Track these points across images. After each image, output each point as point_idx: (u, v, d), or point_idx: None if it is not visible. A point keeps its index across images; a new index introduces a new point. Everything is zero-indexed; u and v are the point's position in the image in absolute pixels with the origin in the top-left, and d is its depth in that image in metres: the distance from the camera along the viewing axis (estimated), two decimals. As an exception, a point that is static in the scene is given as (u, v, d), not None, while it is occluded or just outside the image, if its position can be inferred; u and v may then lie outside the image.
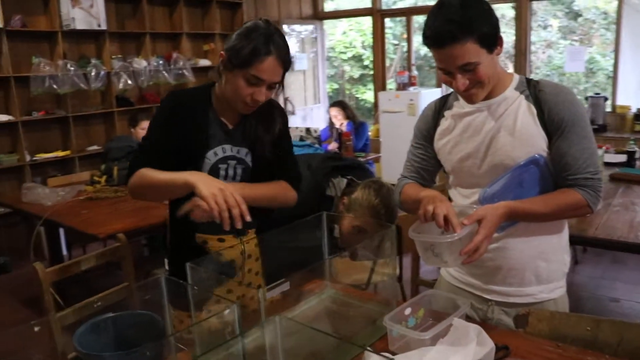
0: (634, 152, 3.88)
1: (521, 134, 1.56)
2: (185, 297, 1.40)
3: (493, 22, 1.47)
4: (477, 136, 1.63)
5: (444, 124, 1.72)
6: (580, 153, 1.54)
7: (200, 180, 1.52)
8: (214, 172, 1.75)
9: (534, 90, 1.58)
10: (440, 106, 1.75)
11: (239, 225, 1.47)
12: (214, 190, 1.47)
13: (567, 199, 1.55)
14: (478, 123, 1.63)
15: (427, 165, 1.80)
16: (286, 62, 1.67)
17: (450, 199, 1.79)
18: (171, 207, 1.84)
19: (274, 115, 1.83)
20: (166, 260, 1.86)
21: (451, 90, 1.67)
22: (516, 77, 1.63)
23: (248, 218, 1.49)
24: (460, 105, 1.68)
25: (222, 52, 1.67)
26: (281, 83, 1.71)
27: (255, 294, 1.60)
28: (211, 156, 1.76)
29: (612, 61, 6.37)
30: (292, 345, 1.26)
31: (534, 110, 1.57)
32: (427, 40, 1.50)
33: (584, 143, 1.54)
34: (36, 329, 1.13)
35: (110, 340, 2.16)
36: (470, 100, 1.59)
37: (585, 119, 1.56)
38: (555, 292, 1.70)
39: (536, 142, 1.56)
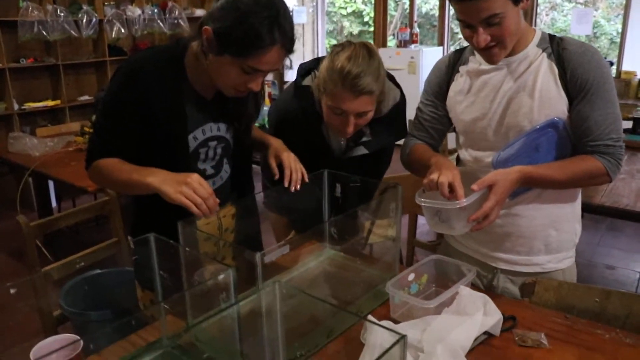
0: (640, 119, 3.78)
1: (541, 95, 1.46)
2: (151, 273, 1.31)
3: None
4: (494, 96, 1.52)
5: (459, 80, 1.61)
6: (604, 118, 1.44)
7: (162, 183, 1.33)
8: (193, 157, 1.54)
9: (557, 48, 1.47)
10: (455, 60, 1.64)
11: (213, 212, 1.34)
12: (180, 188, 1.30)
13: (585, 166, 1.46)
14: (496, 82, 1.52)
15: (436, 124, 1.70)
16: (291, 47, 1.40)
17: (459, 161, 1.70)
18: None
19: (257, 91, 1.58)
20: (130, 239, 1.70)
21: (466, 44, 1.56)
22: (538, 32, 1.51)
23: (216, 201, 1.35)
24: (476, 61, 1.57)
25: (206, 27, 1.34)
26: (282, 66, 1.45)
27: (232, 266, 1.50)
28: (190, 141, 1.51)
29: (617, 26, 6.23)
30: (288, 309, 1.18)
31: (556, 70, 1.46)
32: None
33: (609, 107, 1.44)
34: (12, 291, 1.04)
35: (97, 296, 2.11)
36: (490, 59, 1.47)
37: (611, 81, 1.45)
38: (563, 262, 1.63)
39: (556, 105, 1.46)
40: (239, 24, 1.30)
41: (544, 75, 1.46)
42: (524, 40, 1.49)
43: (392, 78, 1.81)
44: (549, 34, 1.52)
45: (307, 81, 1.80)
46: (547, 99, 1.46)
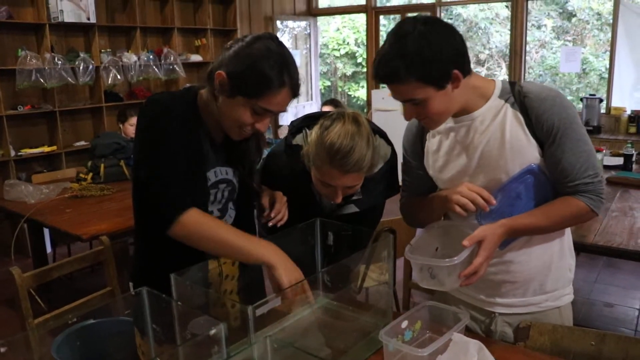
0: (631, 155, 3.83)
1: (512, 145, 1.46)
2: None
3: (443, 59, 1.35)
4: (466, 154, 1.54)
5: (431, 140, 1.62)
6: (577, 158, 1.45)
7: (281, 265, 1.39)
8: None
9: (519, 96, 1.48)
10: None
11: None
12: (292, 282, 1.37)
13: (568, 208, 1.48)
14: (464, 138, 1.53)
15: (419, 185, 1.70)
16: (297, 91, 1.49)
17: (445, 214, 1.70)
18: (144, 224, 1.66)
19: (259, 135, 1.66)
20: (131, 284, 1.72)
21: None
22: (499, 83, 1.52)
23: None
24: None
25: (219, 71, 1.43)
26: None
27: (231, 314, 1.51)
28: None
29: (605, 62, 6.35)
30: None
31: (522, 118, 1.46)
32: (374, 75, 1.43)
33: (579, 146, 1.45)
34: (2, 349, 1.04)
35: (90, 348, 2.08)
36: (427, 128, 1.53)
37: (577, 120, 1.46)
38: (561, 299, 1.63)
39: (528, 153, 1.47)
40: (251, 68, 1.40)
41: (511, 125, 1.47)
42: (484, 96, 1.50)
43: (383, 135, 1.82)
44: (510, 82, 1.53)
45: (298, 140, 1.81)
46: (518, 149, 1.47)
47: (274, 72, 1.40)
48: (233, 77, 1.42)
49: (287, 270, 1.39)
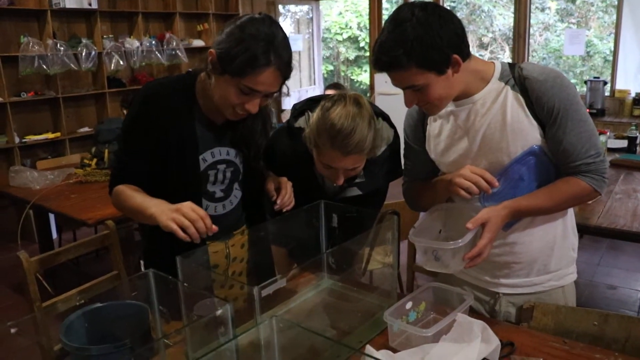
0: (635, 138, 3.82)
1: (513, 128, 1.46)
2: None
3: (443, 44, 1.34)
4: (468, 137, 1.53)
5: (433, 125, 1.62)
6: (578, 138, 1.44)
7: (160, 213, 1.40)
8: (202, 178, 1.61)
9: (519, 78, 1.47)
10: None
11: (210, 233, 1.39)
12: (170, 215, 1.37)
13: (571, 189, 1.48)
14: (465, 122, 1.53)
15: (421, 170, 1.70)
16: (287, 72, 1.48)
17: (449, 198, 1.71)
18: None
19: (268, 114, 1.68)
20: (142, 263, 1.76)
21: None
22: (498, 65, 1.51)
23: (214, 228, 1.40)
24: None
25: (211, 50, 1.45)
26: (279, 91, 1.52)
27: (239, 295, 1.53)
28: (200, 162, 1.60)
29: (610, 44, 6.30)
30: (287, 342, 1.19)
31: (522, 100, 1.46)
32: (373, 63, 1.42)
33: (581, 126, 1.44)
34: (13, 330, 1.06)
35: (98, 330, 2.11)
36: (428, 113, 1.52)
37: (577, 100, 1.45)
38: (565, 279, 1.64)
39: (530, 134, 1.47)
40: (237, 46, 1.40)
41: (511, 107, 1.46)
42: (485, 77, 1.50)
43: (386, 118, 1.82)
44: (509, 64, 1.52)
45: (300, 122, 1.82)
46: (520, 131, 1.46)
47: (260, 50, 1.39)
48: (221, 56, 1.42)
49: (162, 213, 1.39)
